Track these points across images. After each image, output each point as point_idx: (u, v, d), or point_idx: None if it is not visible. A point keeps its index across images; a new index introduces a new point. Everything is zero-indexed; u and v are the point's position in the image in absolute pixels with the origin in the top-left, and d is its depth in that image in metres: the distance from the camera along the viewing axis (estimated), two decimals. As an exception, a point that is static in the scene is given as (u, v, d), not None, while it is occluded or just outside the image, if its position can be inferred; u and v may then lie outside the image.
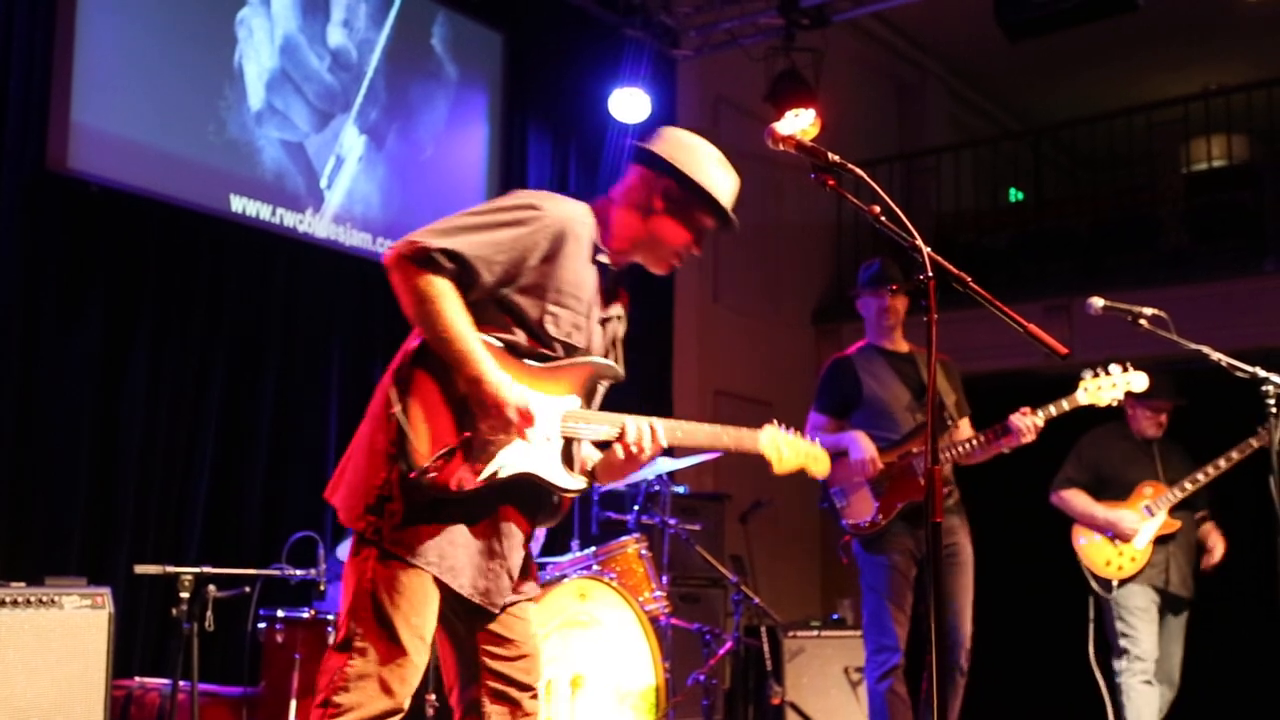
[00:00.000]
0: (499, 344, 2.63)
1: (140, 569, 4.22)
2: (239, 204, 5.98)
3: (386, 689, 2.53)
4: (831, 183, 2.62)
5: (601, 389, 2.86)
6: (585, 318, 2.77)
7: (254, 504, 5.89)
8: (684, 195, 2.81)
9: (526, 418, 2.56)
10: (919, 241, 2.51)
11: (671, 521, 5.67)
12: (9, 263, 5.11)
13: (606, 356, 2.86)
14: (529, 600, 2.79)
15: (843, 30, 8.96)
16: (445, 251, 2.54)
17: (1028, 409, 4.58)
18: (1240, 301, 8.05)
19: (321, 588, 4.52)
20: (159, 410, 5.57)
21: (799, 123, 7.55)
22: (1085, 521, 5.16)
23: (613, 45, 7.80)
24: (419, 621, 2.56)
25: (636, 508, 5.46)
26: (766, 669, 6.62)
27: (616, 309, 2.90)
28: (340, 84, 6.53)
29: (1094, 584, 5.16)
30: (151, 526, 5.49)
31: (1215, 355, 4.31)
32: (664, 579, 5.32)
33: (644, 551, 5.02)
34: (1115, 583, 5.12)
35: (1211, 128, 9.53)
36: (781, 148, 2.65)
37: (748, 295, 9.44)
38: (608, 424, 2.76)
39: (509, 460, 2.62)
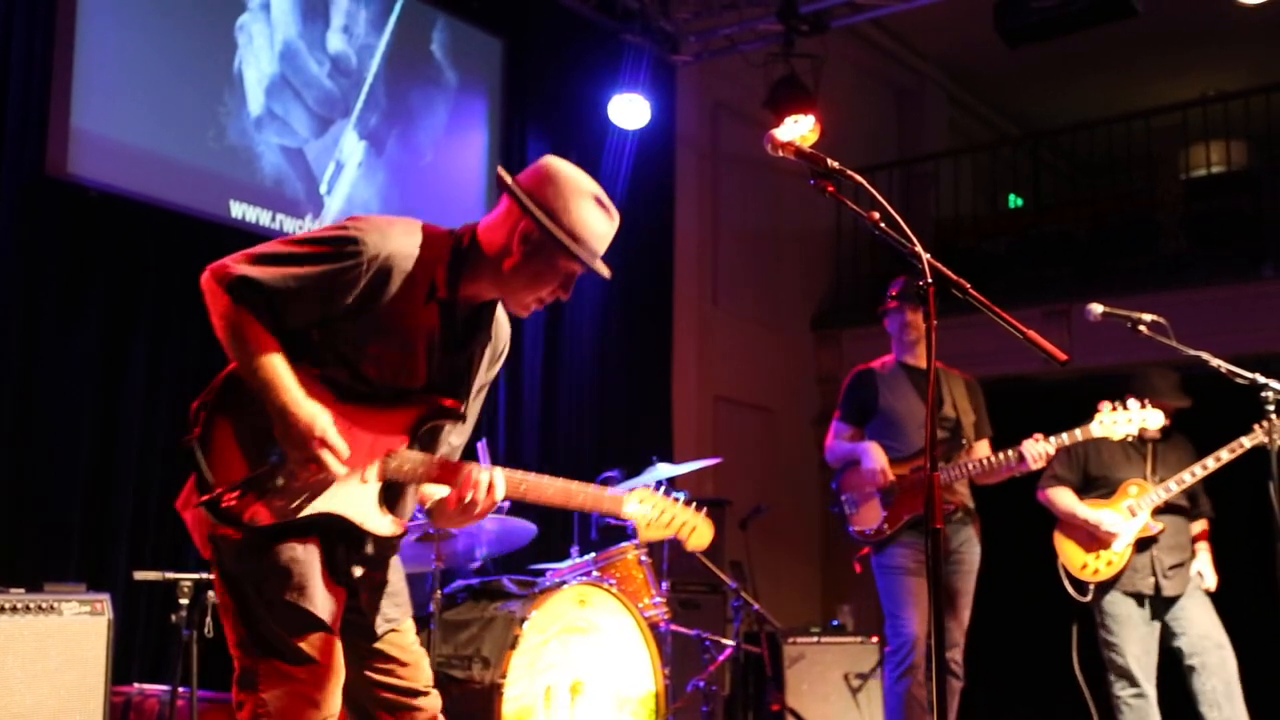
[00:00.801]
0: (318, 379, 2.50)
1: (139, 575, 4.22)
2: (238, 210, 5.98)
3: (313, 702, 2.48)
4: (831, 189, 2.62)
5: (452, 433, 2.67)
6: (416, 358, 2.56)
7: (253, 510, 5.88)
8: (544, 240, 2.53)
9: (334, 451, 2.42)
10: (918, 247, 2.52)
11: (671, 527, 5.66)
12: (8, 267, 5.11)
13: (455, 395, 2.63)
14: (400, 622, 2.70)
15: (842, 36, 8.97)
16: (249, 280, 2.44)
17: (1040, 435, 4.64)
18: (1239, 307, 8.05)
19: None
20: (158, 415, 5.57)
21: (798, 129, 7.56)
22: (1067, 520, 5.10)
23: (612, 51, 7.81)
24: (315, 635, 2.50)
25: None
26: (766, 675, 6.62)
27: (473, 348, 2.67)
28: (340, 89, 6.53)
29: (1069, 587, 5.07)
30: (150, 532, 5.48)
31: (1214, 361, 4.32)
32: (664, 585, 5.32)
33: (644, 558, 5.02)
34: (1092, 587, 5.04)
35: (1210, 133, 9.54)
36: (780, 154, 2.65)
37: (747, 301, 9.44)
38: (433, 468, 2.58)
39: (313, 498, 2.49)
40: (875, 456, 4.80)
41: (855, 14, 8.16)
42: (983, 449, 4.97)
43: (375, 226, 2.51)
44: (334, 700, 2.52)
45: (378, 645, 2.65)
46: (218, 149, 5.93)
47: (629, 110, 7.61)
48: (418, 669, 2.71)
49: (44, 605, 3.95)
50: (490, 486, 2.56)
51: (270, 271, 2.45)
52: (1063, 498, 5.10)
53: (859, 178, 2.60)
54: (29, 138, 5.21)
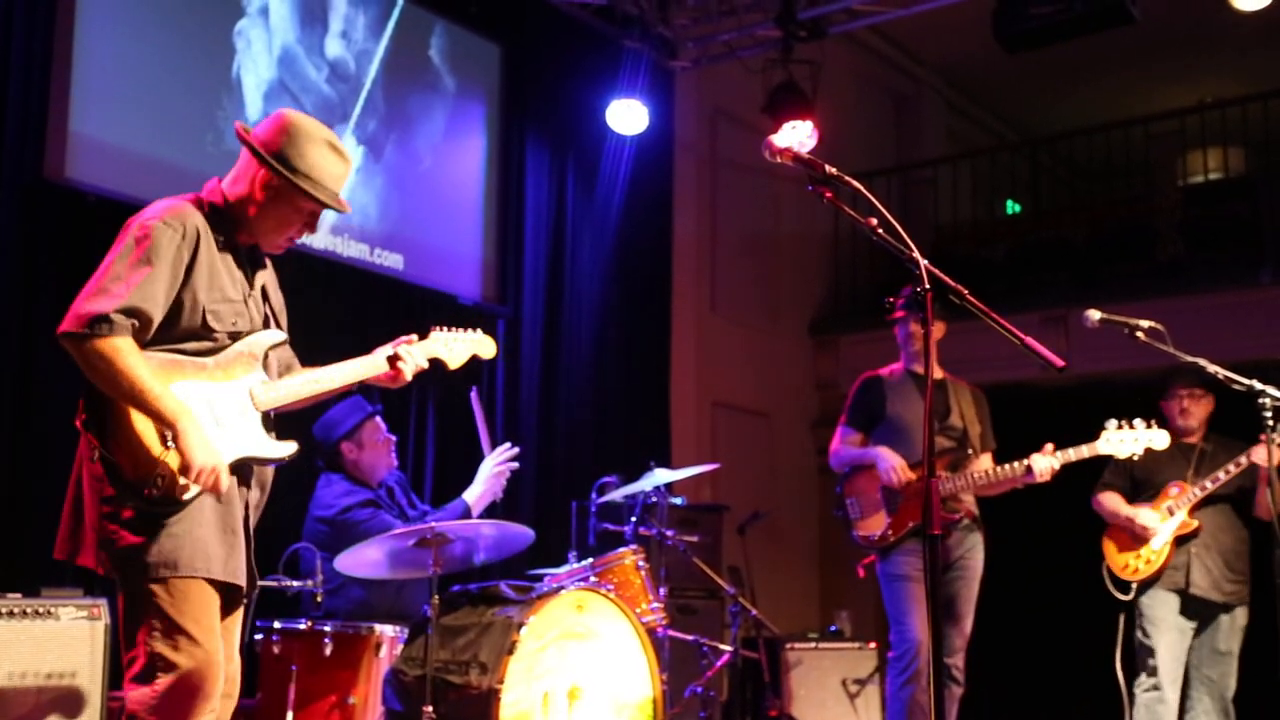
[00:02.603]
0: (167, 356, 2.77)
1: (136, 580, 4.20)
2: (237, 215, 5.97)
3: (203, 693, 2.68)
4: (829, 195, 2.63)
5: (277, 356, 3.03)
6: (242, 302, 2.91)
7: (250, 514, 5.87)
8: (281, 184, 2.90)
9: (199, 418, 2.72)
10: (916, 254, 2.52)
11: (669, 533, 5.67)
12: (6, 271, 5.10)
13: (267, 326, 3.00)
14: (248, 595, 2.96)
15: (840, 42, 8.98)
16: (124, 310, 2.68)
17: (1051, 446, 4.66)
18: (1237, 313, 8.05)
19: (319, 599, 4.50)
20: (156, 421, 5.56)
21: (796, 135, 7.57)
22: (1111, 521, 5.18)
23: (611, 57, 7.82)
24: (209, 619, 2.72)
25: (634, 519, 5.45)
26: (764, 681, 6.62)
27: (261, 278, 3.04)
28: (338, 95, 6.54)
29: (1111, 586, 5.12)
30: (148, 537, 5.47)
31: (1212, 367, 4.33)
32: (662, 591, 5.32)
33: (641, 563, 5.02)
34: (1135, 585, 5.08)
35: (1208, 140, 9.55)
36: (779, 160, 2.66)
37: (745, 307, 9.44)
38: (302, 384, 2.99)
39: (220, 451, 2.75)
40: (889, 456, 4.82)
41: (853, 20, 8.17)
42: (985, 462, 4.97)
43: (166, 210, 2.83)
44: (218, 690, 2.76)
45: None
46: (216, 154, 5.93)
47: (627, 116, 7.61)
48: (232, 666, 2.90)
49: (41, 610, 3.94)
50: (401, 358, 3.10)
51: (133, 295, 2.70)
52: (1109, 500, 5.17)
53: (857, 184, 2.61)
54: (27, 142, 5.21)
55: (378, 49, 6.77)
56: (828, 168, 2.63)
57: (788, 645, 6.61)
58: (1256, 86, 9.20)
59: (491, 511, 4.66)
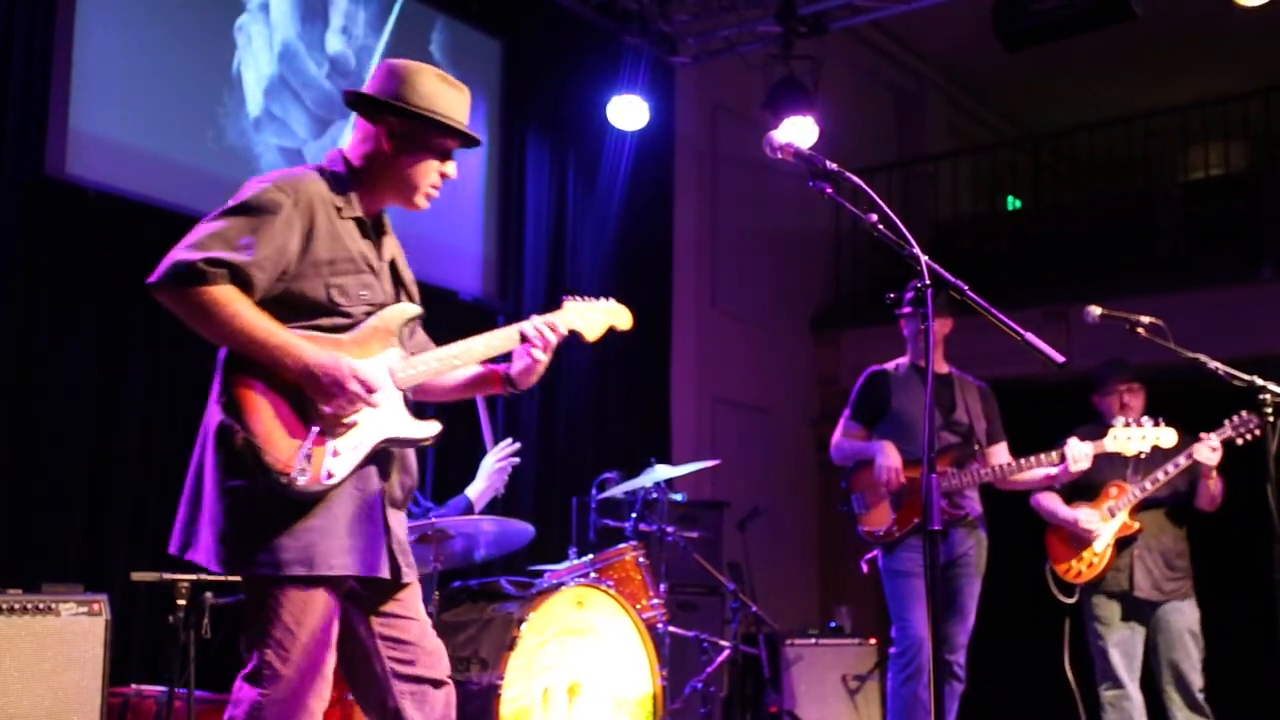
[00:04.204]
0: (301, 333, 2.58)
1: (137, 576, 4.21)
2: (237, 210, 5.97)
3: (306, 709, 2.55)
4: (829, 190, 2.63)
5: (411, 332, 2.83)
6: (369, 273, 2.71)
7: (251, 511, 5.88)
8: (409, 126, 2.73)
9: (366, 385, 2.54)
10: (917, 249, 2.52)
11: (669, 529, 5.67)
12: (7, 268, 5.10)
13: (398, 298, 2.80)
14: (413, 589, 2.76)
15: (841, 38, 8.97)
16: (211, 261, 2.48)
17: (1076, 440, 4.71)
18: (1237, 309, 8.05)
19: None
20: (156, 416, 5.57)
21: (797, 131, 7.56)
22: (1051, 521, 5.13)
23: (611, 52, 7.81)
24: (327, 634, 2.57)
25: (634, 515, 5.45)
26: (764, 677, 6.62)
27: (388, 248, 2.84)
28: (339, 90, 6.53)
29: (1054, 589, 5.09)
30: (148, 533, 5.47)
31: (1212, 363, 4.32)
32: (662, 587, 5.32)
33: (642, 559, 5.02)
34: (1077, 588, 5.05)
35: (1209, 135, 9.54)
36: (780, 155, 2.66)
37: (746, 302, 9.44)
38: (439, 362, 2.76)
39: (366, 433, 2.60)
40: (891, 454, 4.78)
41: (854, 16, 8.16)
42: (1002, 453, 4.96)
43: (279, 177, 2.65)
44: (323, 707, 2.60)
45: (389, 631, 2.71)
46: (216, 150, 5.93)
47: (628, 112, 7.61)
48: (437, 657, 2.76)
49: (41, 606, 3.95)
50: (541, 330, 2.85)
51: (224, 248, 2.50)
52: (1048, 500, 5.13)
53: (858, 179, 2.61)
54: (28, 138, 5.20)
55: (378, 44, 6.76)
56: (828, 163, 2.63)
57: (788, 641, 6.61)
58: (1258, 82, 9.19)
59: (492, 507, 4.66)
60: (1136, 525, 4.96)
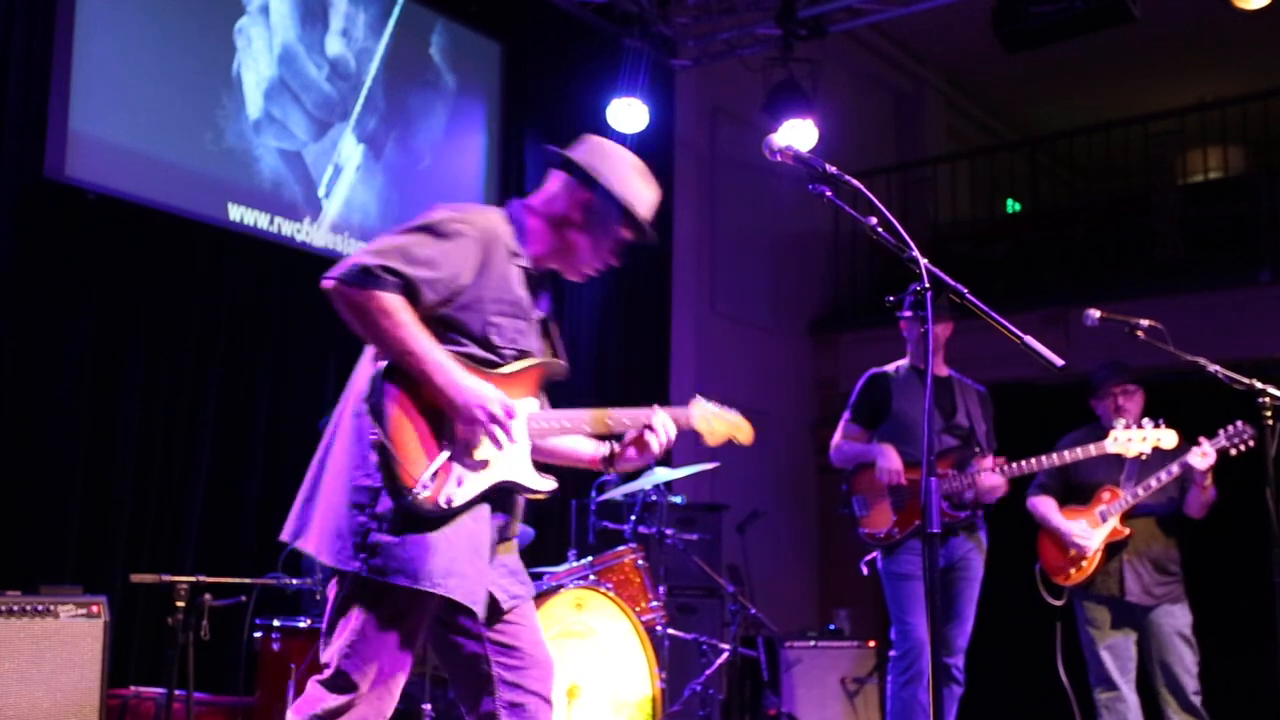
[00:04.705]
0: (456, 355, 2.62)
1: (136, 578, 4.21)
2: (237, 213, 5.98)
3: (378, 715, 2.56)
4: (829, 194, 2.63)
5: (546, 386, 2.87)
6: (525, 321, 2.76)
7: (250, 513, 5.88)
8: (603, 209, 2.80)
9: (509, 412, 2.58)
10: (916, 252, 2.52)
11: (669, 531, 5.67)
12: (6, 269, 5.11)
13: (555, 353, 2.88)
14: (524, 603, 2.77)
15: (840, 41, 8.98)
16: (386, 269, 2.53)
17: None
18: (1236, 312, 8.05)
19: (318, 597, 4.51)
20: (155, 418, 5.57)
21: (796, 133, 7.57)
22: (1044, 526, 5.13)
23: (611, 55, 7.82)
24: (407, 654, 2.57)
25: (634, 518, 5.46)
26: (763, 679, 6.62)
27: (545, 306, 2.89)
28: (338, 93, 6.54)
29: (1044, 591, 5.09)
30: (147, 535, 5.48)
31: (1211, 366, 4.33)
32: (661, 589, 5.32)
33: (641, 562, 5.02)
34: (1066, 591, 5.06)
35: (1208, 139, 9.55)
36: (779, 158, 2.66)
37: (745, 305, 9.45)
38: (571, 421, 2.81)
39: (491, 470, 2.63)
40: (891, 456, 4.77)
41: (853, 19, 8.17)
42: (987, 463, 4.96)
43: (467, 208, 2.72)
44: (389, 715, 2.61)
45: (500, 638, 2.70)
46: (216, 152, 5.94)
47: (627, 114, 7.62)
48: (544, 671, 2.75)
49: (40, 608, 3.95)
50: (665, 426, 2.89)
51: (400, 259, 2.55)
52: (1042, 505, 5.13)
53: (857, 182, 2.61)
54: (27, 140, 5.21)
55: (378, 47, 6.77)
56: (827, 166, 2.63)
57: (787, 644, 6.61)
58: (1257, 85, 9.20)
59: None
60: (1127, 531, 4.95)
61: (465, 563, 2.57)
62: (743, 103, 8.55)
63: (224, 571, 4.68)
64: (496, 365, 2.69)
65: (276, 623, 4.66)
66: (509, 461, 2.67)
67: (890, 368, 5.04)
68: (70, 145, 5.34)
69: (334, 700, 2.51)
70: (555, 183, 2.86)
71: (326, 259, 6.35)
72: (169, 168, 5.73)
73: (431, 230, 2.62)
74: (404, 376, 2.56)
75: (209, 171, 5.90)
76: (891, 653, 4.84)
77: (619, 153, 2.89)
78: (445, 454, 2.56)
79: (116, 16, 5.58)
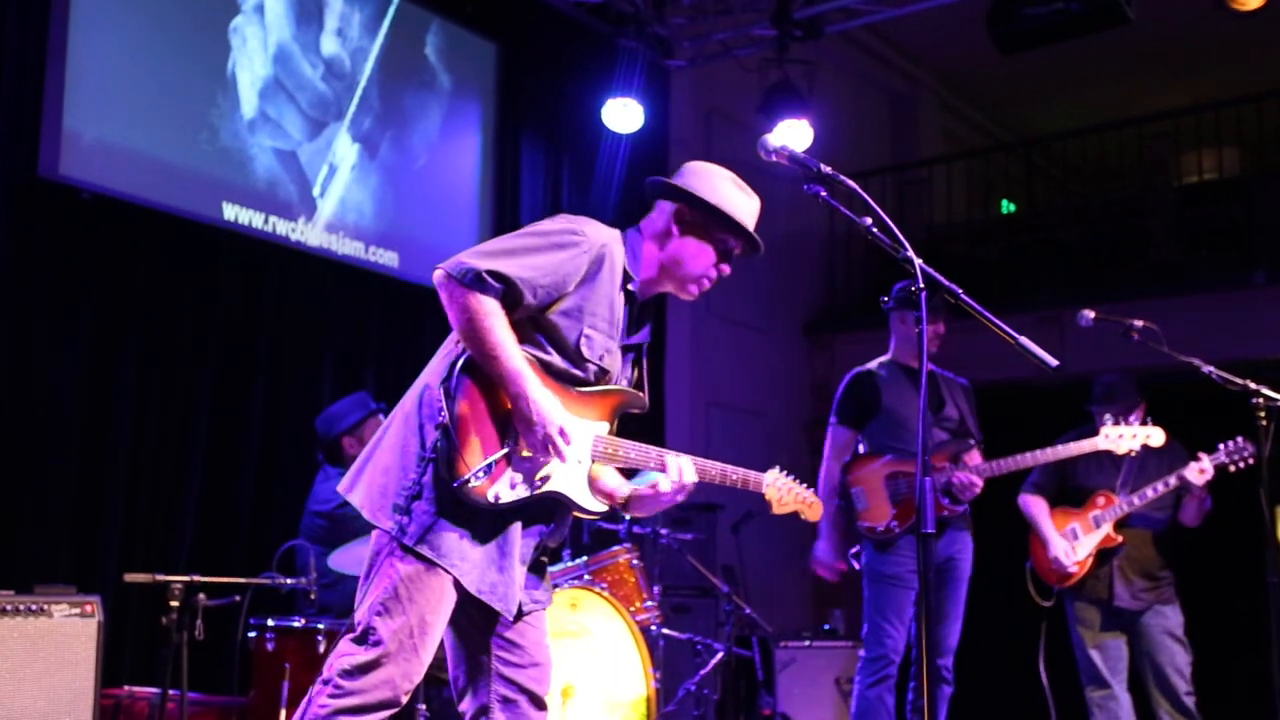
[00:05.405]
0: (536, 362, 2.72)
1: (130, 577, 4.20)
2: (231, 212, 5.97)
3: (390, 684, 2.60)
4: (824, 194, 2.64)
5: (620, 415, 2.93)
6: (615, 341, 2.86)
7: (244, 512, 5.88)
8: (697, 216, 2.89)
9: (566, 438, 2.66)
10: (911, 253, 2.53)
11: (663, 531, 5.67)
12: (0, 269, 5.10)
13: (635, 384, 2.96)
14: (542, 608, 2.85)
15: (836, 42, 8.99)
16: (492, 273, 2.62)
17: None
18: (1230, 314, 8.07)
19: (312, 596, 4.51)
20: (149, 418, 5.56)
21: (791, 134, 7.57)
22: (1034, 527, 5.15)
23: (606, 55, 7.82)
24: (433, 620, 2.63)
25: (628, 518, 5.45)
26: (758, 679, 6.62)
27: (641, 338, 2.98)
28: (333, 92, 6.53)
29: (1033, 591, 5.10)
30: (141, 534, 5.47)
31: (1205, 368, 4.34)
32: (655, 589, 5.32)
33: (635, 561, 5.02)
34: (1055, 591, 5.07)
35: (1202, 141, 9.57)
36: (774, 159, 2.66)
37: (740, 306, 9.45)
38: (639, 453, 2.88)
39: (544, 479, 2.71)
40: (826, 552, 4.95)
41: (849, 20, 8.18)
42: (975, 458, 4.96)
43: (586, 221, 2.85)
44: (407, 690, 2.65)
45: (508, 633, 2.78)
46: (211, 151, 5.93)
47: (623, 115, 7.61)
48: (543, 672, 2.82)
49: (34, 607, 3.94)
50: (689, 468, 2.93)
51: (512, 263, 2.66)
52: (1033, 508, 5.14)
53: (852, 183, 2.62)
54: (21, 139, 5.20)
55: (373, 46, 6.77)
56: (823, 167, 2.63)
57: (781, 644, 6.61)
58: (1251, 88, 9.22)
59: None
60: (1119, 539, 4.95)
61: (492, 558, 2.67)
62: (738, 103, 8.56)
63: (218, 571, 4.67)
64: (576, 379, 2.78)
65: (271, 622, 4.65)
66: (566, 476, 2.75)
67: (873, 365, 5.00)
68: (64, 144, 5.33)
69: (362, 655, 2.59)
70: (654, 210, 2.99)
71: (321, 258, 6.38)
72: (164, 167, 5.73)
73: (545, 235, 2.75)
74: (482, 373, 2.66)
75: (204, 171, 5.89)
76: (862, 654, 4.77)
77: (710, 167, 2.97)
78: (503, 451, 2.65)
79: (111, 15, 5.58)
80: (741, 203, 2.91)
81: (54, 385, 5.23)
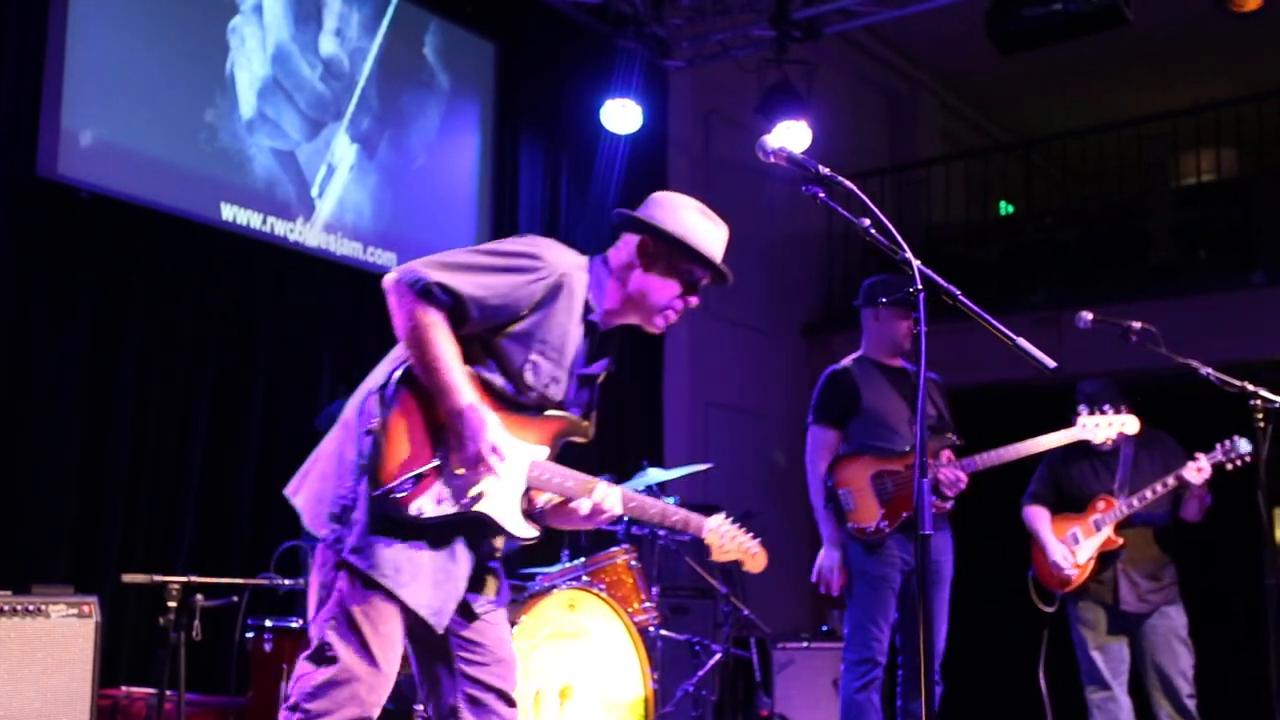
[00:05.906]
0: (478, 379, 2.68)
1: (128, 578, 4.21)
2: (230, 212, 5.97)
3: (356, 700, 2.56)
4: (822, 195, 2.63)
5: (561, 442, 2.90)
6: (565, 372, 2.80)
7: (242, 513, 5.88)
8: (661, 248, 2.85)
9: (500, 455, 2.62)
10: (909, 254, 2.53)
11: (661, 532, 5.66)
12: (-2, 269, 5.10)
13: (582, 415, 2.91)
14: (497, 608, 2.82)
15: (835, 42, 8.98)
16: (443, 286, 2.59)
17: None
18: (1229, 315, 8.07)
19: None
20: (148, 418, 5.56)
21: (790, 135, 7.57)
22: (1035, 537, 5.15)
23: (605, 56, 7.82)
24: (387, 630, 2.59)
25: (626, 519, 5.45)
26: (756, 680, 6.62)
27: (598, 369, 2.93)
28: (332, 93, 6.53)
29: (1035, 597, 5.09)
30: (139, 535, 5.47)
31: (1204, 369, 4.34)
32: (653, 590, 5.32)
33: (633, 562, 5.02)
34: (1058, 596, 5.06)
35: (1201, 141, 9.57)
36: (772, 160, 2.66)
37: (739, 307, 9.44)
38: (574, 482, 2.83)
39: (474, 498, 2.66)
40: (834, 560, 4.78)
41: (848, 20, 8.18)
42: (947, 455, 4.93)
43: (549, 245, 2.78)
44: (375, 704, 2.61)
45: (465, 632, 2.75)
46: (209, 151, 5.93)
47: (621, 115, 7.62)
48: (507, 668, 2.79)
49: (31, 607, 3.94)
50: (617, 501, 2.90)
51: (464, 279, 2.62)
52: (1033, 517, 5.15)
53: (850, 184, 2.62)
54: (20, 139, 5.20)
55: (372, 46, 6.76)
56: (821, 168, 2.63)
57: (779, 645, 6.61)
58: (1249, 88, 9.23)
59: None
60: (1120, 541, 4.95)
61: (427, 571, 2.62)
62: (737, 104, 8.55)
63: (216, 572, 4.67)
64: (518, 403, 2.74)
65: (268, 623, 4.65)
66: (496, 499, 2.70)
67: (846, 362, 4.92)
68: (63, 144, 5.33)
69: (321, 674, 2.55)
70: (620, 241, 2.93)
71: (319, 259, 6.38)
72: (162, 167, 5.72)
73: (503, 255, 2.70)
74: (421, 384, 2.62)
75: (202, 171, 5.89)
76: (847, 654, 4.70)
77: (675, 198, 2.93)
78: (433, 464, 2.60)
79: (109, 15, 5.57)
80: (707, 233, 2.87)
81: (52, 385, 5.23)
